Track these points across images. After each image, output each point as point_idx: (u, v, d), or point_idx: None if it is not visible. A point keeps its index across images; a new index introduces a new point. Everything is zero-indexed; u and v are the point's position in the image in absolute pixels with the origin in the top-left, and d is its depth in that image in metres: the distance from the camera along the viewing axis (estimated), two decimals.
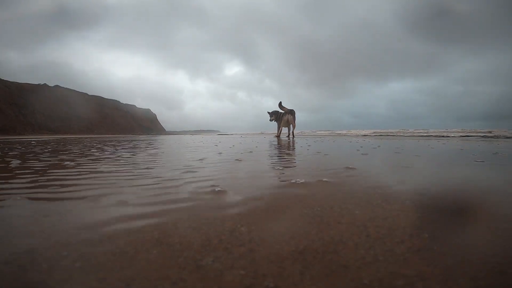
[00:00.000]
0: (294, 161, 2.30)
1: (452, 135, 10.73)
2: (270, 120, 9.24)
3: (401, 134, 12.72)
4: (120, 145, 5.06)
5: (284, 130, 9.68)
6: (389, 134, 13.57)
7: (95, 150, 3.68)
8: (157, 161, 2.27)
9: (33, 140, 8.49)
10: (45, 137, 14.18)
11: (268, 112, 9.28)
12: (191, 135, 20.24)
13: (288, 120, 8.80)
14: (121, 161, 2.33)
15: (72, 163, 2.15)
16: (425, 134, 12.16)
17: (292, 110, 8.82)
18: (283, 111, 8.95)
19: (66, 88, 35.41)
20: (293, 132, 9.05)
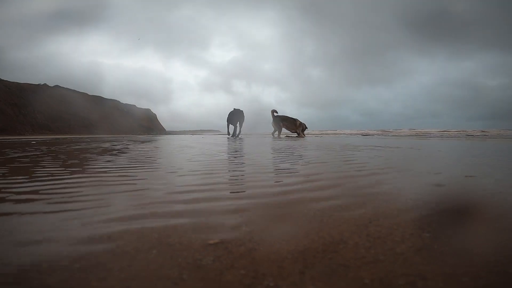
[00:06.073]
0: None
1: None
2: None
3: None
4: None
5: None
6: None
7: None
8: None
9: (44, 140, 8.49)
10: (46, 137, 14.21)
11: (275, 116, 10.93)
12: (191, 135, 20.32)
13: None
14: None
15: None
16: None
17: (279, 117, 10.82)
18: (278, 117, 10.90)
19: (66, 88, 35.39)
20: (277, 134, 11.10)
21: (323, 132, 21.33)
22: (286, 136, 11.22)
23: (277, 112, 10.86)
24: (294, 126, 10.94)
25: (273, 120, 10.77)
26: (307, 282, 0.50)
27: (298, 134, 11.00)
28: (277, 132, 10.89)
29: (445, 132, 15.11)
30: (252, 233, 0.73)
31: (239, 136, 10.20)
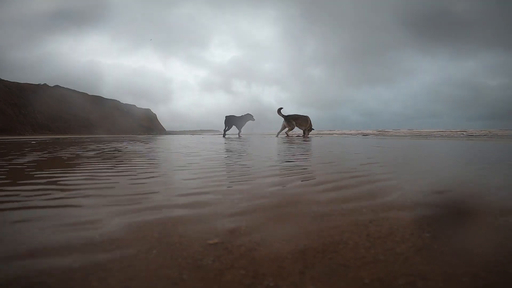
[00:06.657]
0: None
1: None
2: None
3: None
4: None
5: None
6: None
7: None
8: None
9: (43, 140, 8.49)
10: (46, 137, 14.23)
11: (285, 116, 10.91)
12: (191, 135, 20.36)
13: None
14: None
15: None
16: None
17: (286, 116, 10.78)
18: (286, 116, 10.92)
19: (66, 88, 35.41)
20: (286, 133, 11.14)
21: (321, 132, 21.34)
22: (286, 136, 11.15)
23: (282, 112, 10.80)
24: (306, 123, 10.90)
25: (284, 119, 10.66)
26: (307, 282, 0.50)
27: (304, 133, 10.93)
28: (283, 131, 10.83)
29: (445, 132, 15.14)
30: (252, 233, 0.73)
31: (234, 136, 11.23)
